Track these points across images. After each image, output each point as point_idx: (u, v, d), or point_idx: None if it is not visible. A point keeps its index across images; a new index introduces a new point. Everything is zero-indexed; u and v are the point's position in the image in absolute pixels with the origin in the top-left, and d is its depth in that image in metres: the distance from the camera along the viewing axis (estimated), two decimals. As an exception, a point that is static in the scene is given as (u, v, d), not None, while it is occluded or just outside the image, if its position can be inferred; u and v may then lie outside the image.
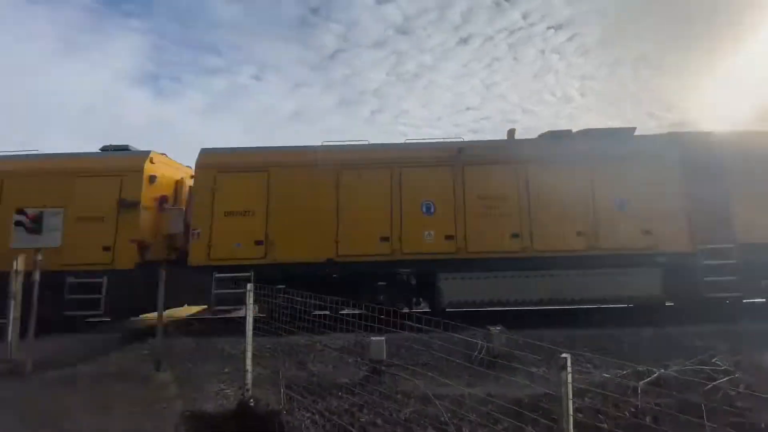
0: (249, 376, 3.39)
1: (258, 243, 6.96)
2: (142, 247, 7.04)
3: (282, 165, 7.39)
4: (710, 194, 7.17)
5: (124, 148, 7.90)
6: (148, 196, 7.34)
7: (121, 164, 7.40)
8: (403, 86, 62.54)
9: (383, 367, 4.47)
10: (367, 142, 7.90)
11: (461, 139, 7.90)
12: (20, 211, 4.71)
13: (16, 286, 4.74)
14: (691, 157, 7.35)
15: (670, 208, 7.18)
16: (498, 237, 7.12)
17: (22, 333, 5.08)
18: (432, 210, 7.21)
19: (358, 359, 5.45)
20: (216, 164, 7.40)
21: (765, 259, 6.95)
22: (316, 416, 3.22)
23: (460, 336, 3.69)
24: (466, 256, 7.06)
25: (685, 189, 7.24)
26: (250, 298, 3.59)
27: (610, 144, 7.56)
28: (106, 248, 6.66)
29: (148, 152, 7.61)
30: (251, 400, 3.28)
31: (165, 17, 59.95)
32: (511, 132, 8.13)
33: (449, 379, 4.75)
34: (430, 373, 4.94)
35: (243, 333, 6.37)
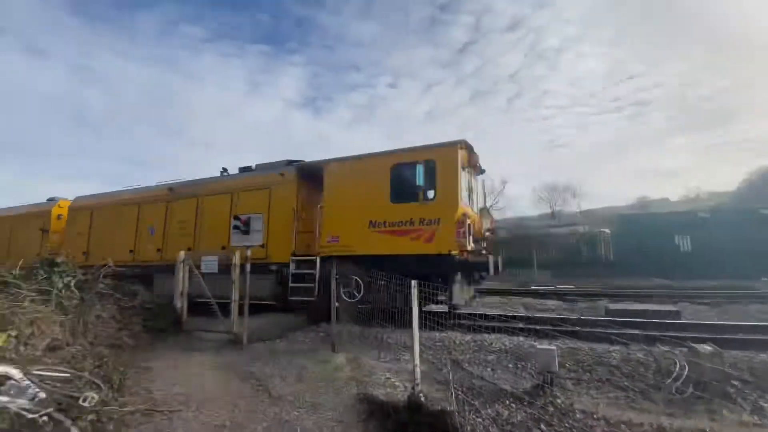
0: (418, 371, 3.48)
1: (84, 253, 11.37)
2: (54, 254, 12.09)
3: (97, 207, 12.18)
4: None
5: (53, 199, 13.71)
6: (56, 226, 12.84)
7: (43, 209, 13.33)
8: (543, 65, 56.68)
9: (553, 378, 4.03)
10: (139, 186, 11.84)
11: (181, 179, 11.16)
12: (236, 218, 6.04)
13: (236, 275, 6.10)
14: (307, 182, 8.96)
15: (281, 225, 8.56)
16: (183, 248, 9.04)
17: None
18: (153, 232, 10.78)
19: (519, 365, 5.11)
20: (75, 207, 12.71)
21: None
22: (487, 422, 3.10)
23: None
24: (166, 262, 9.30)
25: (298, 208, 8.61)
26: (415, 295, 3.69)
27: (255, 175, 9.78)
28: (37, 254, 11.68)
29: (57, 200, 13.45)
30: (421, 395, 3.37)
31: (317, 47, 69.19)
32: (224, 170, 10.82)
33: (637, 402, 4.02)
34: (612, 392, 4.28)
35: (396, 323, 6.76)
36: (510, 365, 5.03)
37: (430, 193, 7.28)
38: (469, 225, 6.88)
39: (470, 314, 7.21)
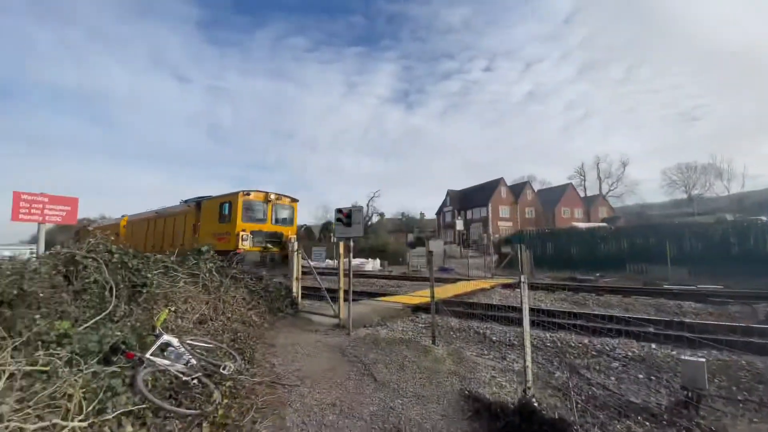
0: (529, 372, 3.23)
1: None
2: None
3: (133, 222, 19.04)
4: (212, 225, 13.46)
5: (123, 216, 20.30)
6: (122, 233, 18.40)
7: (116, 222, 20.04)
8: (670, 26, 47.20)
9: (701, 396, 3.36)
10: (157, 208, 18.00)
11: (159, 207, 17.98)
12: (339, 211, 6.39)
13: (342, 265, 6.50)
14: (206, 210, 14.07)
15: (189, 235, 14.30)
16: (158, 249, 12.81)
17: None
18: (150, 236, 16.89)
19: (652, 377, 4.41)
20: (128, 221, 19.45)
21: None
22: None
23: None
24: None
25: (196, 225, 14.29)
26: (525, 290, 3.42)
27: (183, 206, 15.77)
28: None
29: (123, 216, 20.30)
30: (533, 399, 3.12)
31: (408, 40, 69.41)
32: (182, 201, 16.21)
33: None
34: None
35: (493, 318, 6.39)
36: (641, 375, 4.37)
37: (229, 218, 12.66)
38: (243, 236, 11.78)
39: (585, 314, 6.50)
